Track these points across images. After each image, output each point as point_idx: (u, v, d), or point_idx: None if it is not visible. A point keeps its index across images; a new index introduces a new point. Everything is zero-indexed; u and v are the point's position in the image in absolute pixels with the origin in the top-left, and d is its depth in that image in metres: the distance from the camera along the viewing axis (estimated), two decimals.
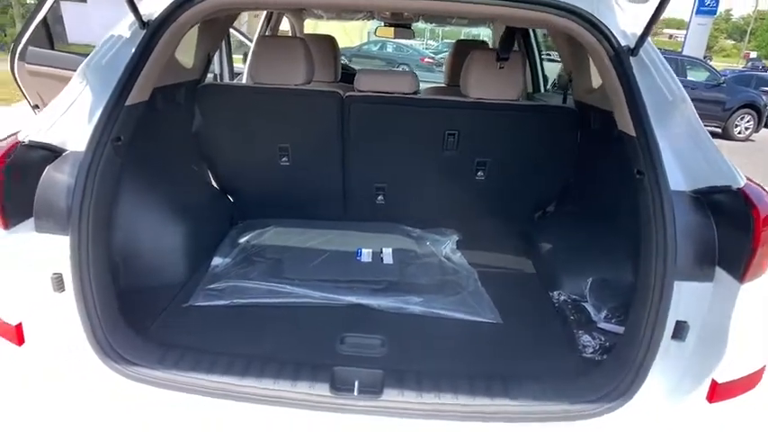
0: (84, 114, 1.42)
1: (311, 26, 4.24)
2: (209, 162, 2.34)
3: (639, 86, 1.37)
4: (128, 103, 1.46)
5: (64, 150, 1.38)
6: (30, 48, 2.81)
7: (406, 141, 2.23)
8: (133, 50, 1.52)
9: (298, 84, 2.15)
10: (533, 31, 3.31)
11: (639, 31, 1.44)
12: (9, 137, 1.39)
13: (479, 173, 2.25)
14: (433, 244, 2.17)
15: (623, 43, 1.42)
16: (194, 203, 2.04)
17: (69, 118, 1.42)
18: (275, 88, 2.14)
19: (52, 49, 2.89)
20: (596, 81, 2.01)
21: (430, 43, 21.11)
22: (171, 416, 1.35)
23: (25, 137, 1.34)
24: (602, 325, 1.51)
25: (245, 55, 4.08)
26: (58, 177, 1.33)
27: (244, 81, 3.30)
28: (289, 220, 2.34)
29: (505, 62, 1.99)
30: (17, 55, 2.81)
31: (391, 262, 2.00)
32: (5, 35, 21.55)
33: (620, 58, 1.41)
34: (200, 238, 1.97)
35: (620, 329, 1.44)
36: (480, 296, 1.81)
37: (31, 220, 1.33)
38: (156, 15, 1.52)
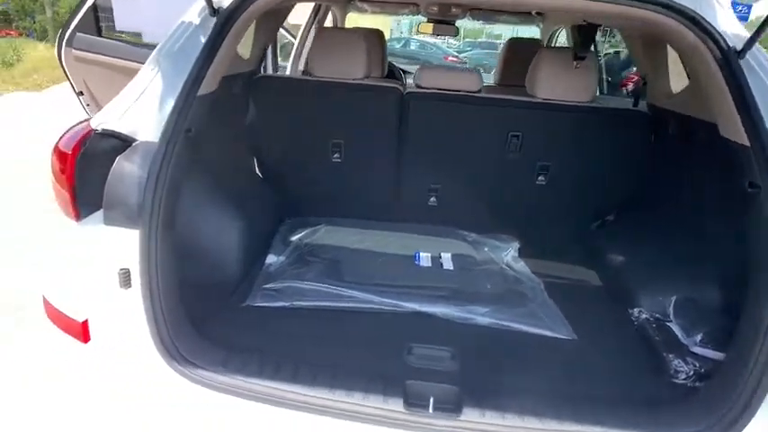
0: (155, 103, 1.36)
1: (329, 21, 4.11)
2: (259, 155, 2.28)
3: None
4: (199, 93, 1.40)
5: (134, 140, 1.32)
6: (77, 34, 2.78)
7: (466, 142, 2.14)
8: (204, 39, 1.46)
9: (356, 78, 2.08)
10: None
11: (743, 32, 1.33)
12: (80, 123, 1.33)
13: (540, 177, 2.16)
14: (492, 250, 2.08)
15: (729, 44, 1.31)
16: (249, 198, 1.98)
17: (140, 106, 1.36)
18: (333, 82, 2.07)
19: (99, 35, 2.85)
20: (677, 84, 1.89)
21: (451, 42, 20.94)
22: (234, 424, 1.28)
23: (98, 125, 1.28)
24: (696, 349, 1.40)
25: (281, 48, 4.01)
26: (128, 168, 1.27)
27: (287, 74, 3.24)
28: (338, 218, 2.27)
29: (581, 61, 1.88)
30: (64, 40, 2.78)
31: (451, 268, 1.92)
32: (34, 22, 21.90)
33: (729, 60, 1.30)
34: (255, 234, 1.90)
35: (720, 356, 1.34)
36: (549, 309, 1.72)
37: (100, 212, 1.27)
38: (227, 3, 1.46)
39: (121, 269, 1.27)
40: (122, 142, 1.31)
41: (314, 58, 2.10)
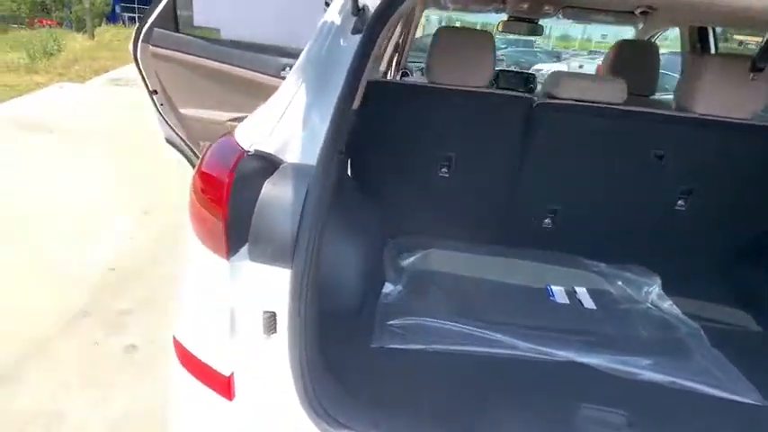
0: (303, 119, 1.17)
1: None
2: (360, 166, 2.08)
3: None
4: (354, 107, 1.21)
5: (281, 161, 1.13)
6: (155, 29, 2.62)
7: (597, 159, 1.91)
8: (345, 42, 1.26)
9: (479, 86, 1.86)
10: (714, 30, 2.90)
11: None
12: (222, 141, 1.15)
13: (680, 202, 1.91)
14: (628, 285, 1.84)
15: None
16: (360, 217, 1.79)
17: (287, 122, 1.17)
18: (454, 89, 1.85)
19: (177, 31, 2.69)
20: None
21: None
22: None
23: (250, 145, 1.09)
24: None
25: None
26: (279, 195, 1.08)
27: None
28: (443, 239, 2.06)
29: (759, 73, 1.63)
30: (141, 36, 2.62)
31: (593, 307, 1.69)
32: (71, 12, 22.24)
33: None
34: (371, 258, 1.71)
35: None
36: (721, 363, 1.48)
37: (245, 248, 1.09)
38: (371, 2, 1.26)
39: (266, 312, 1.09)
40: (268, 164, 1.13)
41: (432, 62, 1.88)
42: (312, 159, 1.13)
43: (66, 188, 4.08)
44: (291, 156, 1.14)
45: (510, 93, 2.00)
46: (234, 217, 1.04)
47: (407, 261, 1.87)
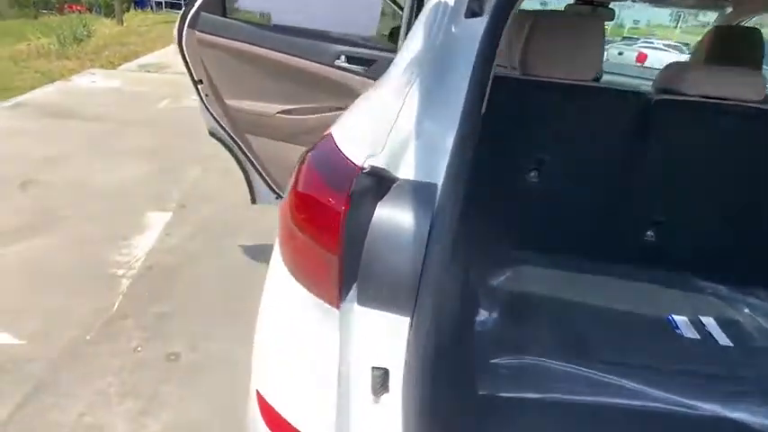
0: (416, 125, 0.93)
1: None
2: None
3: None
4: (483, 111, 0.97)
5: (394, 178, 0.90)
6: (202, 14, 2.40)
7: (719, 166, 1.64)
8: (456, 28, 1.03)
9: (586, 80, 1.60)
10: None
11: None
12: (324, 147, 0.92)
13: None
14: (757, 313, 1.57)
15: None
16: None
17: (399, 129, 0.93)
18: (555, 83, 1.60)
19: (224, 16, 2.47)
20: None
21: None
22: None
23: (365, 160, 0.86)
24: None
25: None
26: (396, 222, 0.85)
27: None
28: (531, 253, 1.81)
29: None
30: (187, 22, 2.41)
31: (729, 343, 1.43)
32: None
33: None
34: (462, 277, 1.48)
35: None
36: None
37: (353, 290, 0.86)
38: None
39: (376, 368, 0.87)
40: (379, 180, 0.89)
41: (527, 51, 1.62)
42: (430, 175, 0.89)
43: (101, 181, 3.95)
44: (405, 170, 0.91)
45: (621, 88, 1.73)
46: (348, 253, 0.81)
47: (498, 280, 1.64)
